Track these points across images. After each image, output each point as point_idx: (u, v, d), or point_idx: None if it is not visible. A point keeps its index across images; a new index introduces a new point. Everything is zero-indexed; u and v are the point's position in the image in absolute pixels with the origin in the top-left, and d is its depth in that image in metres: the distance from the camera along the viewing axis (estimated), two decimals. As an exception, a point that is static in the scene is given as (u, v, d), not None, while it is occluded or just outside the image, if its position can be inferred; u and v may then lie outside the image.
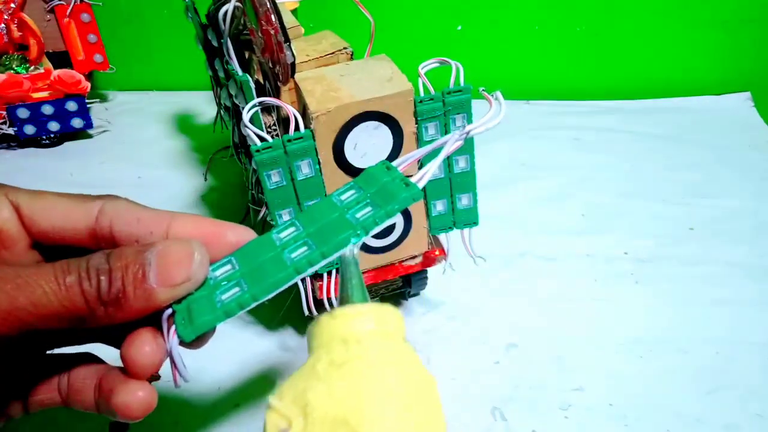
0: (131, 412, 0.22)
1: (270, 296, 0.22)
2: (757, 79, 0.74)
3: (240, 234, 0.24)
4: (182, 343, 0.22)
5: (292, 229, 0.24)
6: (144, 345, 0.22)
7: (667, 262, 0.48)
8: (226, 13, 0.33)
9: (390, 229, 0.36)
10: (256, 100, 0.31)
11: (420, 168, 0.34)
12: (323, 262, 0.22)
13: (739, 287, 0.45)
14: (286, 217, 0.33)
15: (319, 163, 0.32)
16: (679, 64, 0.75)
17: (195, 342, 0.22)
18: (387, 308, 0.19)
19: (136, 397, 0.22)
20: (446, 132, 0.34)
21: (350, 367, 0.16)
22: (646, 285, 0.46)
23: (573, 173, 0.60)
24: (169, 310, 0.22)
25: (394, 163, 0.25)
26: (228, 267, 0.23)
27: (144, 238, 0.23)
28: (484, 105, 0.28)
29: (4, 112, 0.64)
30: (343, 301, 0.19)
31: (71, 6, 0.66)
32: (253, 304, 0.22)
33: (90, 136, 0.70)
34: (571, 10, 0.73)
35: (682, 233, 0.51)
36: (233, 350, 0.42)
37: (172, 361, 0.22)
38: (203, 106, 0.76)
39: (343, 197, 0.24)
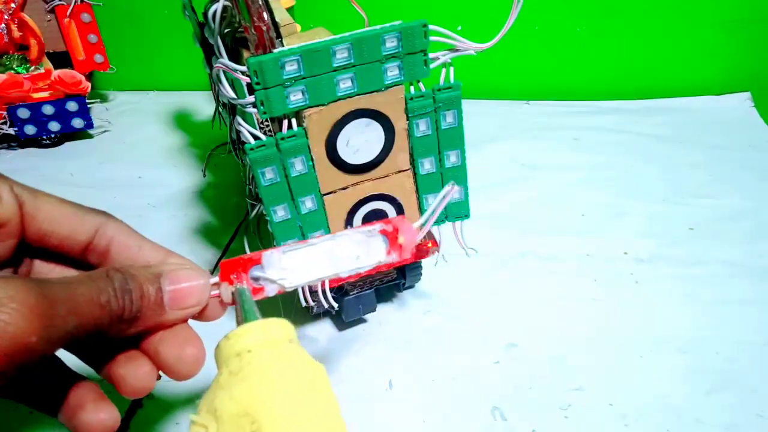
0: None
1: None
2: (757, 79, 0.74)
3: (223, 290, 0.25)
4: None
5: None
6: (141, 367, 0.23)
7: (667, 262, 0.48)
8: (215, 12, 0.33)
9: None
10: (250, 98, 0.31)
11: (412, 164, 0.35)
12: None
13: (739, 287, 0.45)
14: (281, 213, 0.34)
15: (312, 160, 0.33)
16: (679, 64, 0.75)
17: None
18: (271, 321, 0.21)
19: (104, 419, 0.23)
20: (437, 128, 0.34)
21: (244, 372, 0.20)
22: (646, 285, 0.46)
23: (573, 173, 0.60)
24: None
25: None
26: None
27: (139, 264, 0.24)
28: (474, 103, 0.28)
29: (5, 112, 0.64)
30: (239, 324, 0.22)
31: (72, 6, 0.66)
32: None
33: (90, 136, 0.70)
34: (571, 10, 0.73)
35: (682, 233, 0.51)
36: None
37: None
38: (203, 105, 0.76)
39: None
